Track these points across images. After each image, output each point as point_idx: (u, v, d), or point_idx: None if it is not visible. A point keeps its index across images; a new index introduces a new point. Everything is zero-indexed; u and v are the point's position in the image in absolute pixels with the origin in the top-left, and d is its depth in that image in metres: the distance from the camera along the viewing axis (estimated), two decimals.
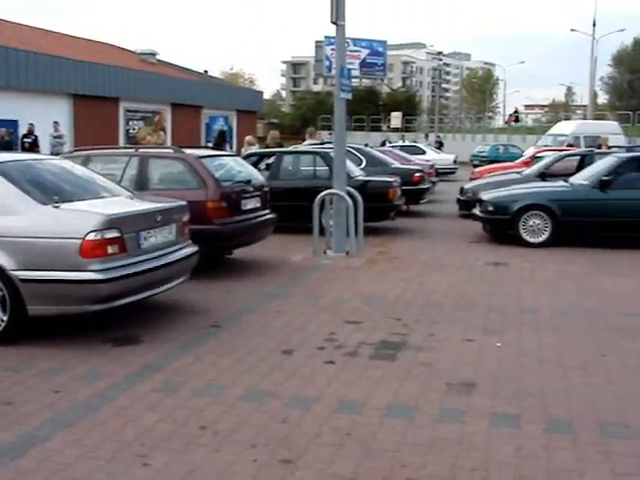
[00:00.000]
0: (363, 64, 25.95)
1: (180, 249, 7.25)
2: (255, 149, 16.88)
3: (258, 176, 10.73)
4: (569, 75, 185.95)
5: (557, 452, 4.25)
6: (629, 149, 20.95)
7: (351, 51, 24.34)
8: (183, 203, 7.49)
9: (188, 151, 9.66)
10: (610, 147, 20.38)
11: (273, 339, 6.53)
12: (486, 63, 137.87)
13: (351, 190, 11.33)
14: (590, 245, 11.97)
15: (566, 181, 13.45)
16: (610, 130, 31.71)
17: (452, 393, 5.20)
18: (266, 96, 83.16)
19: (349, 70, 11.76)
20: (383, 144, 33.73)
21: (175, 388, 5.23)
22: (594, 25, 50.45)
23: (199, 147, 14.51)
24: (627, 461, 4.14)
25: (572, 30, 55.91)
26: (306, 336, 6.64)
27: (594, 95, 62.20)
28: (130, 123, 33.72)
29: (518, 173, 17.37)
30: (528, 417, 4.76)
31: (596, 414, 4.83)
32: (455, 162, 33.36)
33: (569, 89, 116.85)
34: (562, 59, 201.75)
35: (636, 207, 12.05)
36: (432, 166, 21.15)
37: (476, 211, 13.32)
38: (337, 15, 11.09)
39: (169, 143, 31.50)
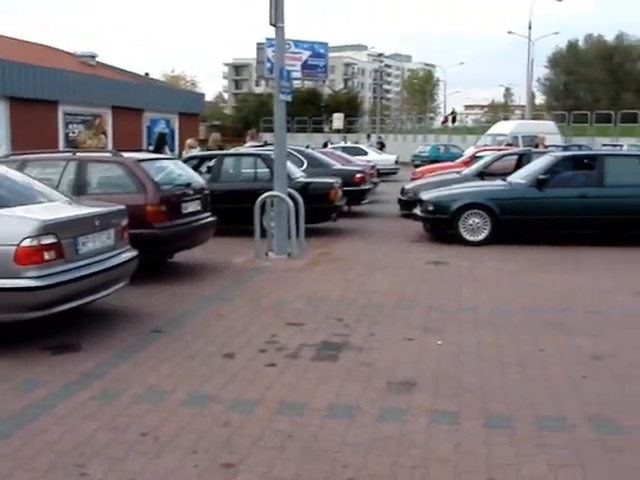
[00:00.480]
0: (305, 66, 25.97)
1: (119, 254, 7.16)
2: (196, 152, 16.81)
3: (198, 179, 10.69)
4: (508, 76, 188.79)
5: (496, 447, 4.32)
6: (565, 148, 21.47)
7: (292, 53, 24.33)
8: (122, 207, 7.40)
9: (126, 155, 9.55)
10: (547, 146, 20.81)
11: (214, 343, 6.50)
12: (426, 64, 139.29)
13: (292, 192, 11.34)
14: (528, 242, 12.21)
15: (504, 180, 13.69)
16: (547, 130, 32.45)
17: (393, 392, 5.25)
18: (208, 98, 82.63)
19: (288, 72, 11.77)
20: (325, 145, 33.87)
21: (115, 395, 5.17)
22: (530, 28, 51.54)
23: (139, 150, 14.35)
24: (562, 453, 4.23)
25: (509, 32, 57.09)
26: (248, 339, 6.63)
27: (532, 96, 63.47)
28: (70, 126, 33.11)
29: (458, 173, 17.60)
30: (467, 414, 4.83)
31: (533, 409, 4.93)
32: (397, 162, 33.63)
33: (508, 90, 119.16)
34: (501, 60, 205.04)
35: (571, 205, 12.32)
36: (373, 167, 21.29)
37: (417, 211, 13.45)
38: (276, 17, 11.09)
39: (110, 147, 31.04)
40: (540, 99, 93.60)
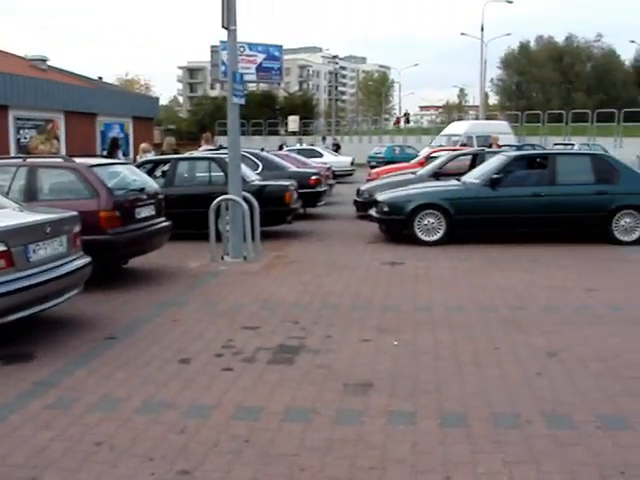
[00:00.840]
0: (259, 68, 25.88)
1: (72, 261, 7.06)
2: (151, 156, 16.66)
3: (152, 184, 10.58)
4: (462, 77, 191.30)
5: (452, 446, 4.35)
6: (518, 148, 21.72)
7: (247, 56, 24.27)
8: (74, 214, 7.30)
9: (79, 160, 9.43)
10: (501, 146, 21.04)
11: (170, 348, 6.44)
12: (381, 66, 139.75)
13: (247, 195, 11.31)
14: (483, 241, 12.33)
15: (458, 180, 13.80)
16: (501, 130, 32.87)
17: (349, 394, 5.25)
18: (163, 102, 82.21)
19: (241, 75, 11.73)
20: (280, 148, 33.83)
21: (69, 404, 5.09)
22: (482, 29, 52.12)
23: (91, 156, 14.18)
24: (517, 449, 4.28)
25: (462, 34, 57.60)
26: (204, 344, 6.58)
27: (485, 96, 64.18)
28: (21, 132, 32.60)
29: (413, 173, 17.68)
30: (424, 413, 4.86)
31: (489, 406, 4.98)
32: (352, 164, 33.71)
33: (462, 90, 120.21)
34: (454, 62, 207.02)
35: (524, 203, 12.47)
36: (329, 169, 21.33)
37: (372, 212, 13.50)
38: (228, 20, 11.05)
39: (64, 152, 30.59)
40: (494, 99, 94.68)
